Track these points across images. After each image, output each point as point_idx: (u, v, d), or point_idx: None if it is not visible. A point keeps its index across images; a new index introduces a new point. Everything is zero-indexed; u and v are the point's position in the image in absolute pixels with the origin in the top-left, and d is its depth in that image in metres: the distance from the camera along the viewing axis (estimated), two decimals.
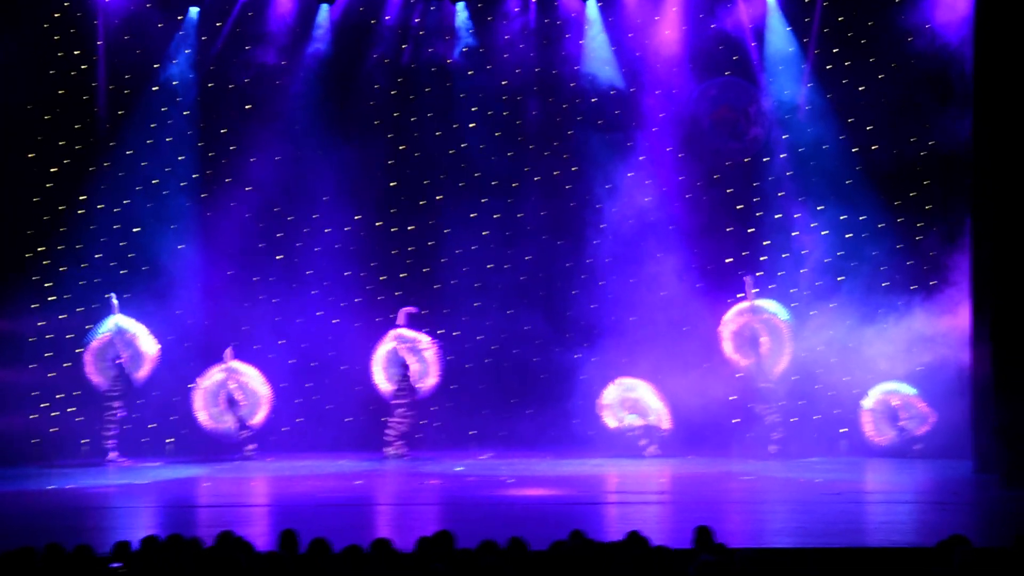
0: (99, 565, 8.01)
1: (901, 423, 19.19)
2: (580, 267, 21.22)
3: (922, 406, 19.13)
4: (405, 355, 20.05)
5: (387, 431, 19.92)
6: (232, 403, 19.76)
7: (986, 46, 16.64)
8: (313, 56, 21.13)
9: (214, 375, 19.82)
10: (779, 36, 20.90)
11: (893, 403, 19.29)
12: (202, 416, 19.75)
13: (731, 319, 19.94)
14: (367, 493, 15.95)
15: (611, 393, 20.01)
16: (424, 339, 20.12)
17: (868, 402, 19.41)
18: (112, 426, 19.19)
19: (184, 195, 20.71)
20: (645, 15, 21.10)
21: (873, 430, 19.39)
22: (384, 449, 19.83)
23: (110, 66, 20.39)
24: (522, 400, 21.20)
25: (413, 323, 20.28)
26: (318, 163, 21.02)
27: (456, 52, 21.31)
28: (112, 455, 19.06)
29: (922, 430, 19.09)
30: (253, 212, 20.98)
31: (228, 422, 19.80)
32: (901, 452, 19.17)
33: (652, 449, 19.77)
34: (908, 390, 19.26)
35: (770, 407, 19.65)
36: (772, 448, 19.41)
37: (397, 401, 19.93)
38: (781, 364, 19.76)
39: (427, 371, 20.14)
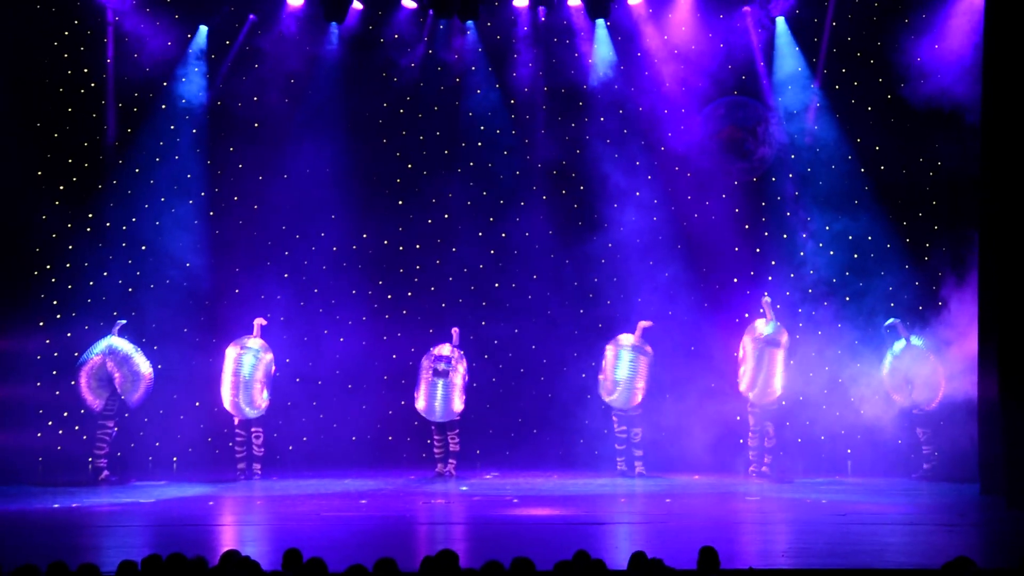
0: None
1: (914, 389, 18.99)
2: (586, 286, 21.23)
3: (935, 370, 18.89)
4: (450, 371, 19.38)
5: (436, 449, 19.64)
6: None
7: (995, 68, 16.61)
8: (322, 74, 21.17)
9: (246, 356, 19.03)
10: (788, 56, 20.92)
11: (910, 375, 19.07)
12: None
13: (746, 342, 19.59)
14: (371, 512, 15.91)
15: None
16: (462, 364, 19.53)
17: (884, 369, 19.19)
18: (103, 445, 18.89)
19: (192, 213, 20.72)
20: (654, 34, 21.14)
21: (890, 388, 19.13)
22: (437, 467, 19.59)
23: (119, 84, 20.39)
24: (527, 419, 21.19)
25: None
26: (326, 181, 21.06)
27: (465, 71, 21.38)
28: (103, 475, 18.83)
29: (935, 401, 18.88)
30: (261, 230, 21.04)
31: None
32: (907, 473, 19.14)
33: (638, 467, 19.59)
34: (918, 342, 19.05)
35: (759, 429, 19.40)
36: (754, 470, 19.26)
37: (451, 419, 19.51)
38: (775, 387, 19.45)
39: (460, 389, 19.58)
